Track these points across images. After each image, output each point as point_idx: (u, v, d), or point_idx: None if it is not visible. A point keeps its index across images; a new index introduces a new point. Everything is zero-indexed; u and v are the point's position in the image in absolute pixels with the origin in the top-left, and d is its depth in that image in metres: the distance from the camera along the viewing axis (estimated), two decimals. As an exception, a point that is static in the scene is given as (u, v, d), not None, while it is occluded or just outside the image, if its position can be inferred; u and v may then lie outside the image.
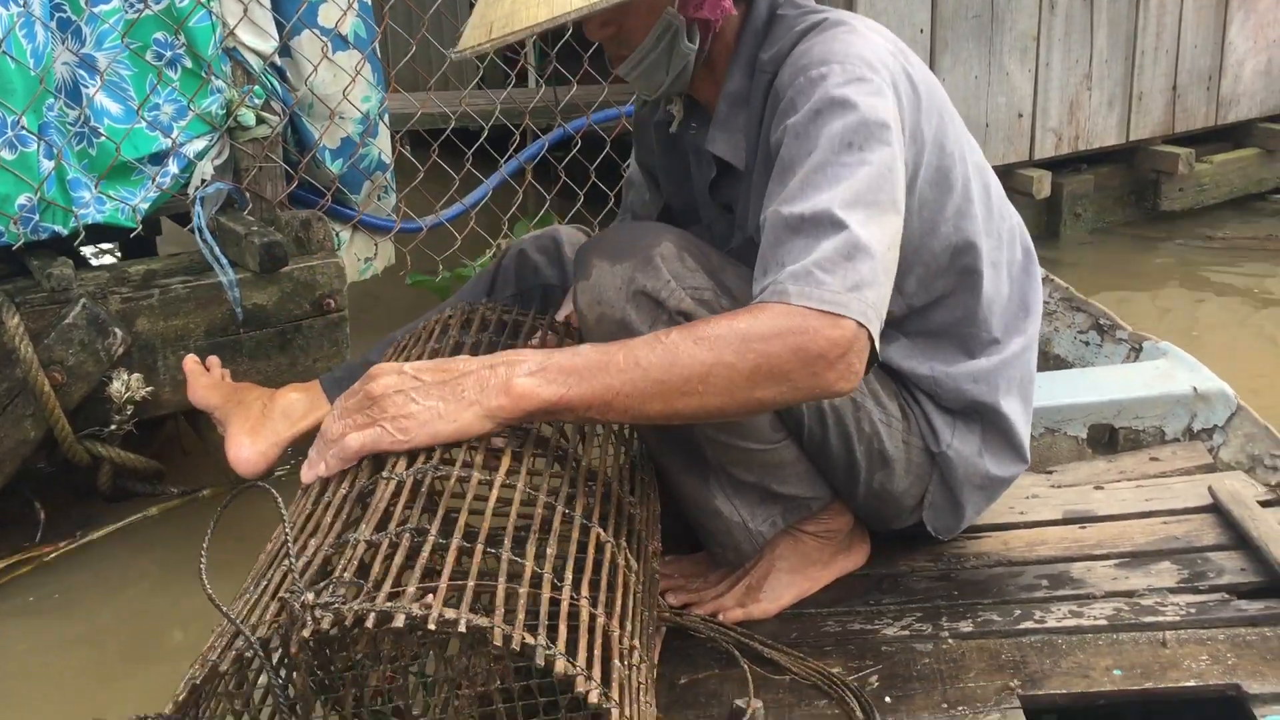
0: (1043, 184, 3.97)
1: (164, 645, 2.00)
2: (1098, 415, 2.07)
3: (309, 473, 1.23)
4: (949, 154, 1.49)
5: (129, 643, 1.99)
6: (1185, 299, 3.60)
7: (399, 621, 0.89)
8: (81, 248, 2.51)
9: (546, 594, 0.99)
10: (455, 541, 1.01)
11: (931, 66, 3.73)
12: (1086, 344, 2.38)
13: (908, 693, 1.43)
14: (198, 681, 0.92)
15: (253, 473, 1.76)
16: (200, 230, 2.30)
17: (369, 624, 0.89)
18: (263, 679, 1.01)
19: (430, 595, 0.92)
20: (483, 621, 0.90)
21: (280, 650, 0.91)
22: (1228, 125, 4.53)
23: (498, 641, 0.90)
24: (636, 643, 1.09)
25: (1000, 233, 1.59)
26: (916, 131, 1.43)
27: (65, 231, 2.23)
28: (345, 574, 0.95)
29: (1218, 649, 1.45)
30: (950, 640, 1.52)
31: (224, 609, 0.95)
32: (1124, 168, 4.37)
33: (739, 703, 1.37)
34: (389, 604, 0.90)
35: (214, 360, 1.96)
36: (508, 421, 1.21)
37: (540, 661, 0.90)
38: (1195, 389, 2.03)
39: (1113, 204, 4.37)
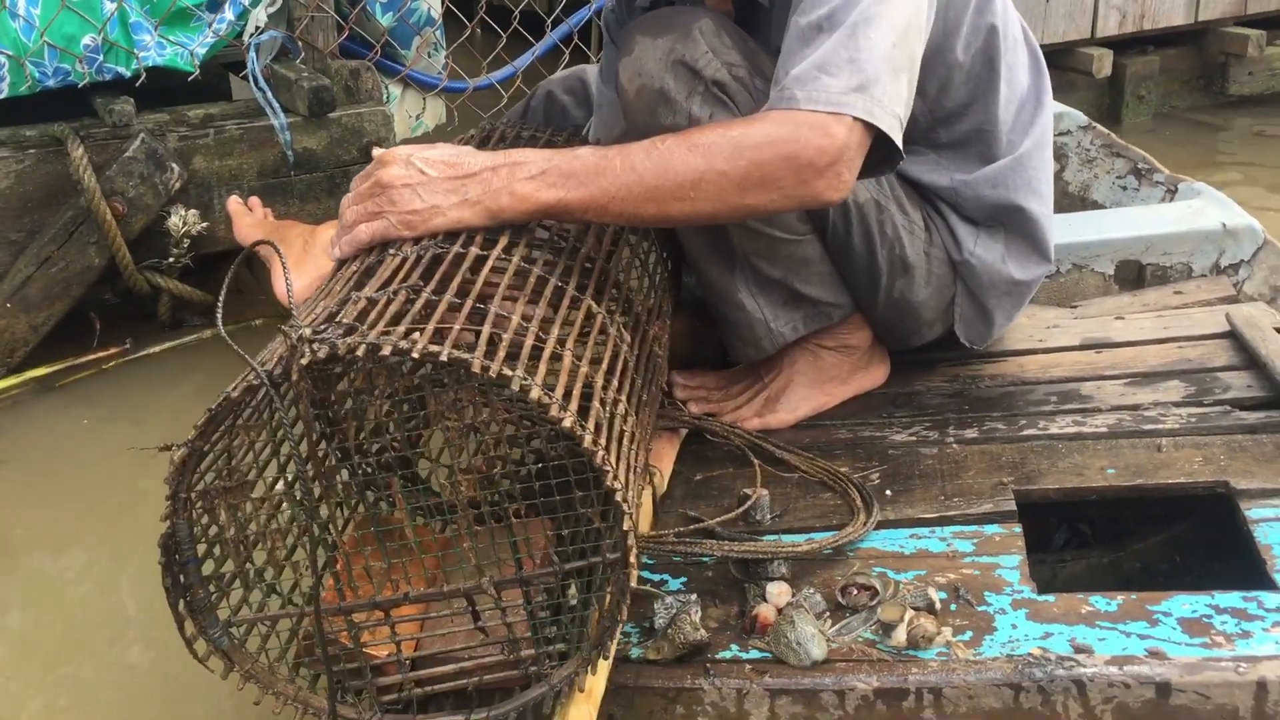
0: (1103, 63, 3.87)
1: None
2: (1126, 251, 2.09)
3: (332, 252, 1.34)
4: None
5: (170, 434, 2.18)
6: (1248, 192, 3.51)
7: (386, 351, 0.99)
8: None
9: (529, 340, 1.07)
10: (446, 297, 1.10)
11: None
12: (1124, 189, 2.39)
13: (908, 488, 1.51)
14: (214, 410, 1.03)
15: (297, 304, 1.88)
16: (254, 75, 2.41)
17: (359, 354, 0.99)
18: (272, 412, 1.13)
19: (418, 334, 1.02)
20: (463, 354, 1.00)
21: (284, 382, 1.02)
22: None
23: (476, 370, 0.99)
24: (623, 398, 1.18)
25: (1014, 34, 1.61)
26: None
27: (128, 73, 2.36)
28: (345, 320, 1.05)
29: (1212, 453, 1.50)
30: (955, 445, 1.60)
31: (235, 347, 1.06)
32: (1192, 50, 4.22)
33: (746, 491, 1.47)
34: (377, 337, 1.01)
35: (255, 201, 2.07)
36: (508, 222, 1.29)
37: (516, 388, 0.99)
38: (1224, 225, 2.05)
39: (1179, 87, 4.24)
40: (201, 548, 1.14)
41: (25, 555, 2.02)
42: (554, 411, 1.00)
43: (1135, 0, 3.98)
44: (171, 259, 2.41)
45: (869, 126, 1.30)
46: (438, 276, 1.17)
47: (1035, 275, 1.69)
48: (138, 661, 1.80)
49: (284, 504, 1.18)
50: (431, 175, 1.28)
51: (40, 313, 2.36)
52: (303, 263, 1.92)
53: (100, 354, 2.46)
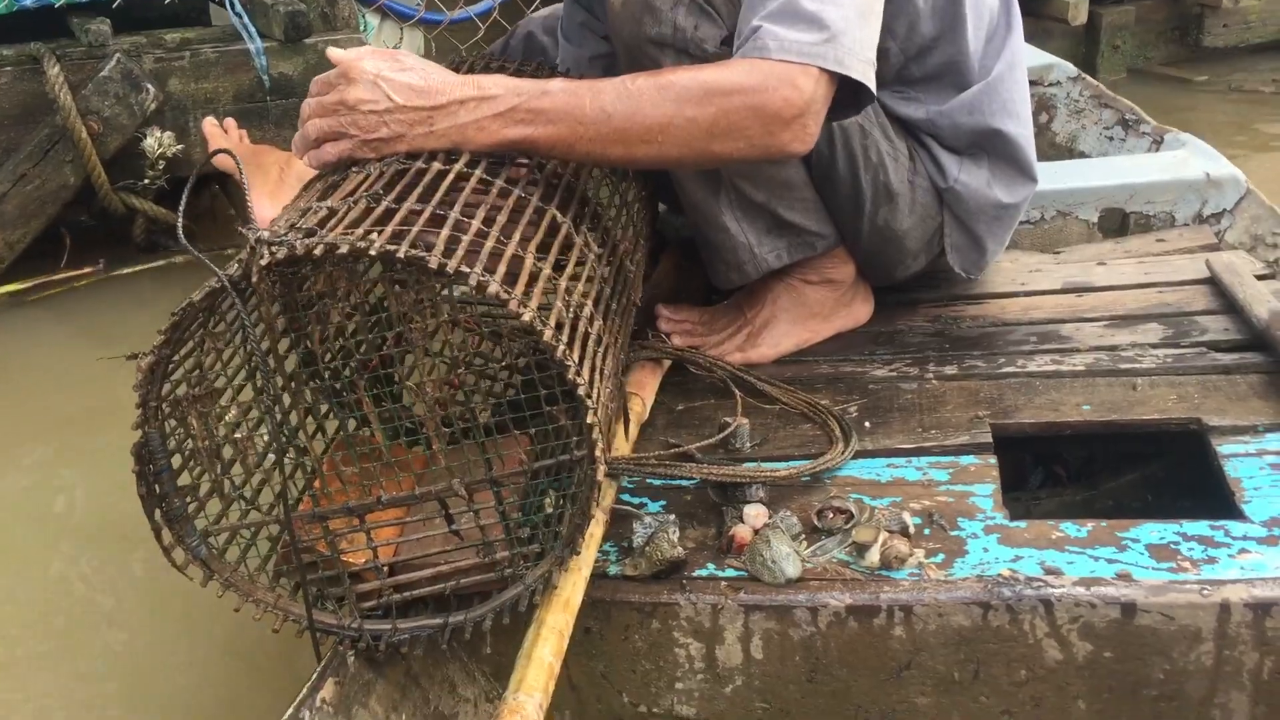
0: (1078, 11, 3.88)
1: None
2: (1110, 199, 2.11)
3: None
4: None
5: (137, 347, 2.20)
6: (1217, 132, 3.52)
7: (344, 250, 0.99)
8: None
9: (489, 243, 1.08)
10: (407, 205, 1.10)
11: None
12: (1111, 139, 2.40)
13: (886, 420, 1.53)
14: (178, 314, 1.04)
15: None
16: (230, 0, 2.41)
17: (317, 254, 1.00)
18: (233, 316, 1.13)
19: (376, 235, 1.02)
20: (420, 253, 1.00)
21: (248, 288, 1.02)
22: (1280, -40, 4.36)
23: (433, 265, 0.99)
24: (588, 302, 1.18)
25: None
26: None
27: None
28: (305, 225, 1.06)
29: (1186, 391, 1.53)
30: (934, 381, 1.62)
31: (196, 253, 1.06)
32: (1168, 1, 4.23)
33: (727, 419, 1.49)
34: (334, 236, 1.01)
35: (230, 122, 2.05)
36: (474, 154, 1.27)
37: (473, 283, 1.00)
38: (1208, 174, 2.06)
39: (1154, 38, 4.25)
40: (178, 460, 1.15)
41: None
42: (512, 305, 1.00)
43: (1112, -51, 3.98)
44: (146, 180, 2.43)
45: (836, 76, 1.30)
46: (399, 187, 1.17)
47: (1022, 197, 1.70)
48: (116, 573, 1.82)
49: (254, 411, 1.18)
50: (399, 102, 1.25)
51: (16, 230, 2.38)
52: (279, 190, 1.91)
53: (73, 272, 2.49)
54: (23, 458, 2.04)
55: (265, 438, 1.22)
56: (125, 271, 2.54)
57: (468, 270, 1.00)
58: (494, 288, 1.00)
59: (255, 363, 1.17)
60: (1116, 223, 2.13)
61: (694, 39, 1.44)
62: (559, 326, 1.07)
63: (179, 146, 2.40)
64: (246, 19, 2.42)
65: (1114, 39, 4.13)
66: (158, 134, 2.37)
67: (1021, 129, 1.66)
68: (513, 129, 1.27)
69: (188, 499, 1.15)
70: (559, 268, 1.17)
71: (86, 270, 2.50)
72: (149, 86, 2.33)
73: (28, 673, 1.66)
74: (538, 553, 1.15)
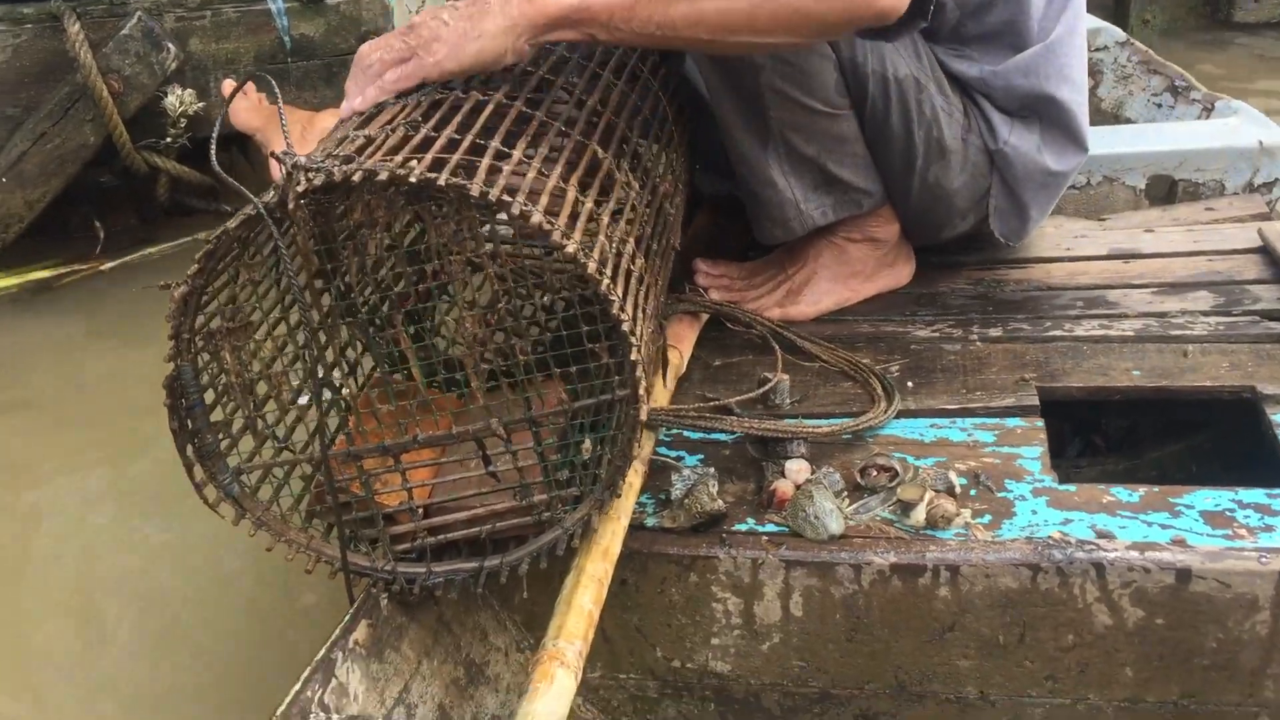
0: None
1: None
2: (1158, 166, 2.06)
3: (347, 106, 1.26)
4: None
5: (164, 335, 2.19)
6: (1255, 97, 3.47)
7: (383, 176, 0.96)
8: None
9: (531, 174, 1.04)
10: (447, 132, 1.06)
11: None
12: (1159, 106, 2.34)
13: (930, 381, 1.50)
14: (213, 243, 1.01)
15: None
16: None
17: (355, 180, 0.96)
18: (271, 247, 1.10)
19: (415, 162, 0.99)
20: (461, 180, 0.96)
21: (284, 218, 0.99)
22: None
23: (474, 194, 0.95)
24: (630, 240, 1.15)
25: None
26: None
27: None
28: (342, 153, 1.02)
29: (1239, 359, 1.48)
30: (979, 343, 1.58)
31: (232, 181, 1.03)
32: None
33: (766, 375, 1.46)
34: (373, 163, 0.97)
35: (251, 85, 2.02)
36: (532, 33, 1.22)
37: (515, 212, 0.96)
38: (1261, 143, 2.01)
39: (1185, 12, 4.18)
40: (210, 395, 1.12)
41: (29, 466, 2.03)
42: (556, 236, 0.97)
43: (1146, -80, 3.92)
44: (169, 139, 2.40)
45: None
46: (438, 116, 1.13)
47: (1071, 165, 1.66)
48: (141, 540, 1.81)
49: (289, 345, 1.15)
50: (460, 9, 1.22)
51: (36, 189, 2.35)
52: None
53: (103, 261, 2.46)
54: (52, 450, 2.02)
55: (300, 374, 1.20)
56: (152, 251, 2.52)
57: (510, 199, 0.97)
58: (537, 218, 0.97)
59: (292, 295, 1.14)
60: (1164, 190, 2.08)
61: None
62: (603, 262, 1.03)
63: (200, 105, 2.39)
64: None
65: (1144, 12, 4.06)
66: (179, 92, 2.35)
67: (1076, 95, 1.62)
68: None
69: (220, 435, 1.13)
70: (600, 204, 1.14)
71: (108, 266, 2.49)
72: (170, 45, 2.31)
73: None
74: (576, 496, 1.12)
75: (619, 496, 1.11)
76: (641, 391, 1.03)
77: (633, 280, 1.10)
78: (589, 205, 1.08)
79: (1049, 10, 1.59)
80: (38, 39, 2.29)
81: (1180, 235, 1.88)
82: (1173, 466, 1.63)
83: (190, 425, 1.10)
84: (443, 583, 1.15)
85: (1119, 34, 2.47)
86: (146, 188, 2.56)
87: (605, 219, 1.09)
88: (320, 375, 1.13)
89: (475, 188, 0.97)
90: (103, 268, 2.46)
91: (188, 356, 1.08)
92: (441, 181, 0.96)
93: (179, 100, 2.35)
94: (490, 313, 1.08)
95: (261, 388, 1.16)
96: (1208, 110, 2.23)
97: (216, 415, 1.14)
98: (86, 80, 2.24)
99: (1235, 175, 2.03)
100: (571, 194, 1.06)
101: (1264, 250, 1.77)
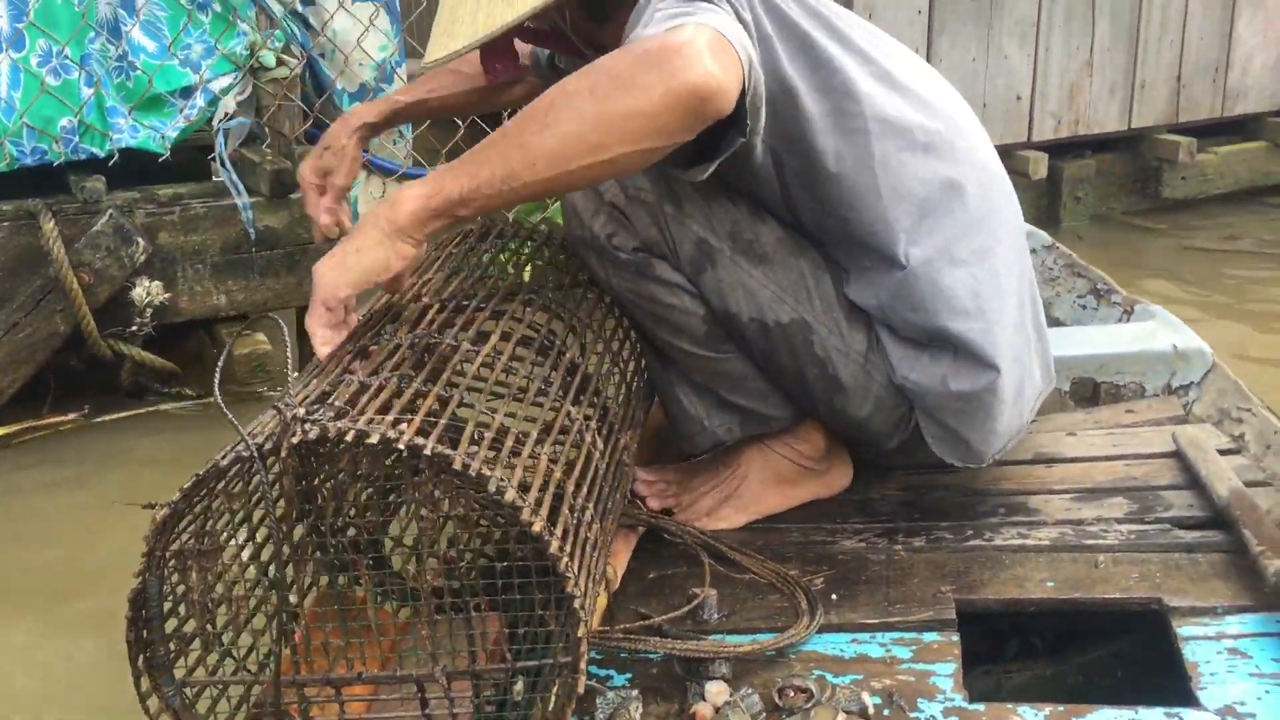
0: (1039, 166, 4.08)
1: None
2: (1081, 369, 2.16)
3: (322, 350, 1.31)
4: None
5: (123, 496, 2.20)
6: (1177, 291, 3.64)
7: (374, 439, 1.04)
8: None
9: (509, 443, 1.13)
10: (435, 389, 1.16)
11: (929, 48, 3.85)
12: (1084, 308, 2.47)
13: (853, 593, 1.55)
14: (201, 475, 1.08)
15: None
16: (221, 157, 2.58)
17: (348, 439, 1.05)
18: (255, 483, 1.18)
19: (405, 425, 1.08)
20: (446, 450, 1.05)
21: (272, 456, 1.06)
22: (1236, 118, 4.59)
23: (457, 466, 1.04)
24: (590, 505, 1.23)
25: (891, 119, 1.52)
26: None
27: (101, 153, 2.55)
28: (336, 403, 1.11)
29: (1149, 569, 1.55)
30: (902, 553, 1.64)
31: (230, 416, 1.11)
32: (1128, 155, 4.44)
33: (695, 590, 1.51)
34: (367, 425, 1.06)
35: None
36: (415, 231, 1.25)
37: (492, 489, 1.04)
38: (1175, 347, 2.12)
39: (1115, 189, 4.44)
40: (166, 605, 1.18)
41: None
42: (525, 515, 1.05)
43: (1070, 107, 4.20)
44: (135, 327, 2.54)
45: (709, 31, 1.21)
46: (428, 368, 1.23)
47: (982, 384, 1.56)
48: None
49: (252, 570, 1.22)
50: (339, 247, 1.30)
51: (5, 376, 2.47)
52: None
53: (58, 418, 2.56)
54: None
55: (257, 597, 1.26)
56: (109, 418, 2.63)
57: (489, 474, 1.05)
58: (511, 495, 1.05)
59: (267, 529, 1.21)
60: (1089, 391, 2.18)
61: (609, 245, 1.55)
62: (563, 533, 1.11)
63: (166, 295, 2.57)
64: (235, 175, 2.59)
65: (1075, 190, 4.31)
66: (146, 283, 2.53)
67: (973, 323, 1.54)
68: (451, 183, 1.23)
69: (171, 646, 1.18)
70: (568, 465, 1.23)
71: (71, 416, 2.59)
72: (139, 239, 2.49)
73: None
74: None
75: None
76: (583, 666, 1.09)
77: (588, 548, 1.18)
78: (558, 474, 1.17)
79: (922, 226, 1.52)
80: (14, 235, 2.46)
81: (1101, 438, 1.97)
82: (1098, 671, 1.67)
83: (145, 636, 1.15)
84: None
85: (1045, 238, 2.62)
86: (109, 373, 2.69)
87: (570, 486, 1.18)
88: (285, 613, 1.19)
89: (458, 460, 1.05)
90: (62, 428, 2.56)
91: (156, 573, 1.14)
92: (428, 451, 1.04)
93: (146, 291, 2.54)
94: (452, 561, 1.16)
95: (221, 611, 1.21)
96: (1128, 313, 2.36)
97: (169, 625, 1.19)
98: (58, 274, 2.40)
99: (1154, 378, 2.14)
100: (543, 463, 1.15)
101: (1177, 455, 1.86)
